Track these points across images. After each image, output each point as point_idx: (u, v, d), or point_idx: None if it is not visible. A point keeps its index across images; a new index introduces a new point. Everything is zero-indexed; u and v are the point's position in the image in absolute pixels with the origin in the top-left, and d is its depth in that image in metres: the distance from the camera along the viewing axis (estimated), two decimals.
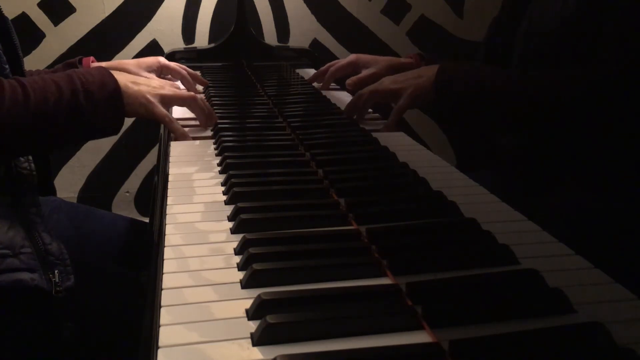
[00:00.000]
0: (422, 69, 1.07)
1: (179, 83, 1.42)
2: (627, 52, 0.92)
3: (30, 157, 0.95)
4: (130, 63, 1.37)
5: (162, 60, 1.43)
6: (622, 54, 0.92)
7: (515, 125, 1.05)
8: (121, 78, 0.92)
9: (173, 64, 1.43)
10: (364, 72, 1.36)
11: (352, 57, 1.44)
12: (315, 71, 1.57)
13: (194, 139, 1.03)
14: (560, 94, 0.94)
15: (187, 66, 1.49)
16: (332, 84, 1.51)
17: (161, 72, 1.42)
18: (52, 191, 1.11)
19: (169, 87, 1.03)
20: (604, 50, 0.93)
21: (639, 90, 0.90)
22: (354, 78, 1.36)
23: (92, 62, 1.33)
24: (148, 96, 0.95)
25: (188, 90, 1.36)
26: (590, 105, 0.93)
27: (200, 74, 1.48)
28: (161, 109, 0.97)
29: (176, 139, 1.01)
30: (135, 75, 1.26)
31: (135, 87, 0.94)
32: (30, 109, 0.82)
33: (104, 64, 1.34)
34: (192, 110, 1.06)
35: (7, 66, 0.91)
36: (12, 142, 0.83)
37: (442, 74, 1.01)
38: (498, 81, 0.99)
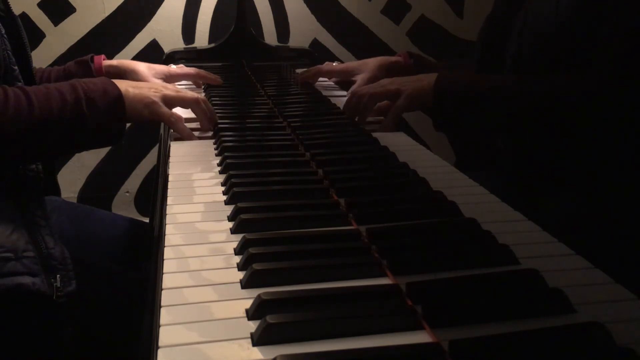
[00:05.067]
0: (422, 75, 1.10)
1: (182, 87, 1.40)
2: (622, 58, 0.92)
3: None
4: (142, 64, 1.37)
5: (172, 69, 1.43)
6: (616, 60, 0.93)
7: (512, 130, 1.07)
8: (122, 85, 0.93)
9: (180, 71, 1.45)
10: (359, 79, 1.36)
11: (342, 65, 1.47)
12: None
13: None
14: (556, 101, 0.96)
15: (188, 66, 1.49)
16: (332, 84, 1.51)
17: (170, 80, 1.41)
18: (57, 190, 1.11)
19: (171, 88, 1.03)
20: (599, 55, 0.94)
21: (634, 94, 0.91)
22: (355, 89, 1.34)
23: (104, 59, 1.33)
24: (151, 98, 0.95)
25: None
26: (585, 111, 0.94)
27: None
28: (165, 109, 0.97)
29: (181, 139, 1.01)
30: (145, 77, 1.32)
31: (137, 91, 0.94)
32: (34, 117, 0.83)
33: (115, 62, 1.36)
34: (195, 112, 1.06)
35: (16, 67, 0.91)
36: (16, 150, 0.84)
37: (442, 79, 1.03)
38: (495, 88, 1.01)
